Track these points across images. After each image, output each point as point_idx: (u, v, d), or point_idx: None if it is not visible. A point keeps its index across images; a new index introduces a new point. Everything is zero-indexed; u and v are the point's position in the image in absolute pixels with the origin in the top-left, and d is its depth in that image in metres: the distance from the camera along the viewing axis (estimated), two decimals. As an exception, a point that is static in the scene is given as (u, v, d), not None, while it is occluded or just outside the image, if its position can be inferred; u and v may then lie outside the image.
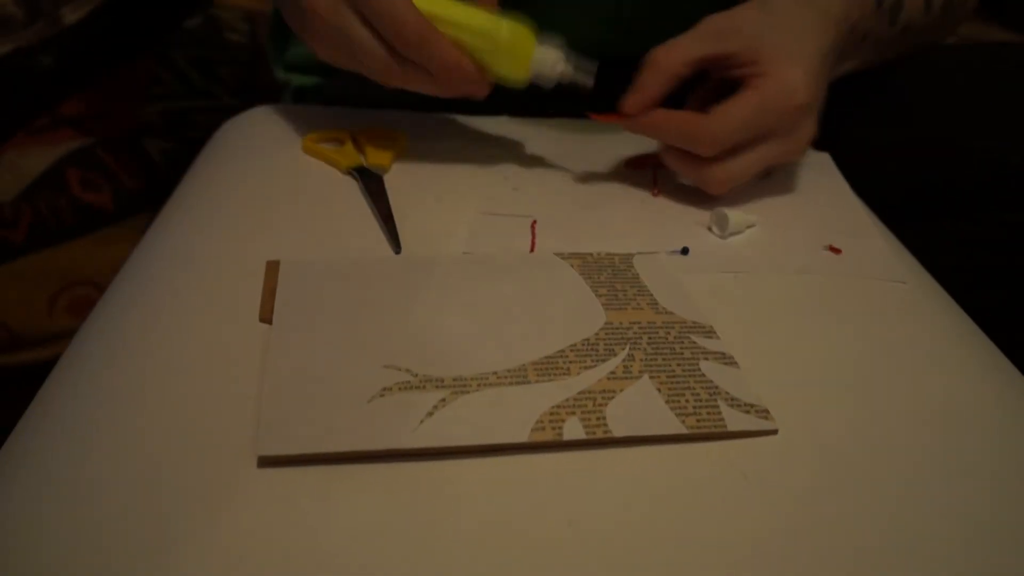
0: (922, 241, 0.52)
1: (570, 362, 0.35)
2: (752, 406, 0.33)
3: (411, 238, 0.44)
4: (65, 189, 0.83)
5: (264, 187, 0.49)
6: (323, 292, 0.38)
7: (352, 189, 0.49)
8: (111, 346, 0.36)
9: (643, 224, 0.47)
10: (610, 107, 0.49)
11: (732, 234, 0.46)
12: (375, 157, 0.51)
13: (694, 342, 0.37)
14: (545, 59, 0.46)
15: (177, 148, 0.90)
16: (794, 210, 0.50)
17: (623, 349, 0.36)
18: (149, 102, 0.92)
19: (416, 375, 0.33)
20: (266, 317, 0.37)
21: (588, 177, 0.52)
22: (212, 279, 0.40)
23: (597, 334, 0.37)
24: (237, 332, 0.36)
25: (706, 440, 0.32)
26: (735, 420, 0.33)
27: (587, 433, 0.31)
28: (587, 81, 0.47)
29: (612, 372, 0.34)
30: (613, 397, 0.33)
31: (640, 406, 0.33)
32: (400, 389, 0.33)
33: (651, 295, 0.40)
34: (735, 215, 0.46)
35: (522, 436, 0.31)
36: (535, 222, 0.46)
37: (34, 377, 0.36)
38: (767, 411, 0.33)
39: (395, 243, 0.43)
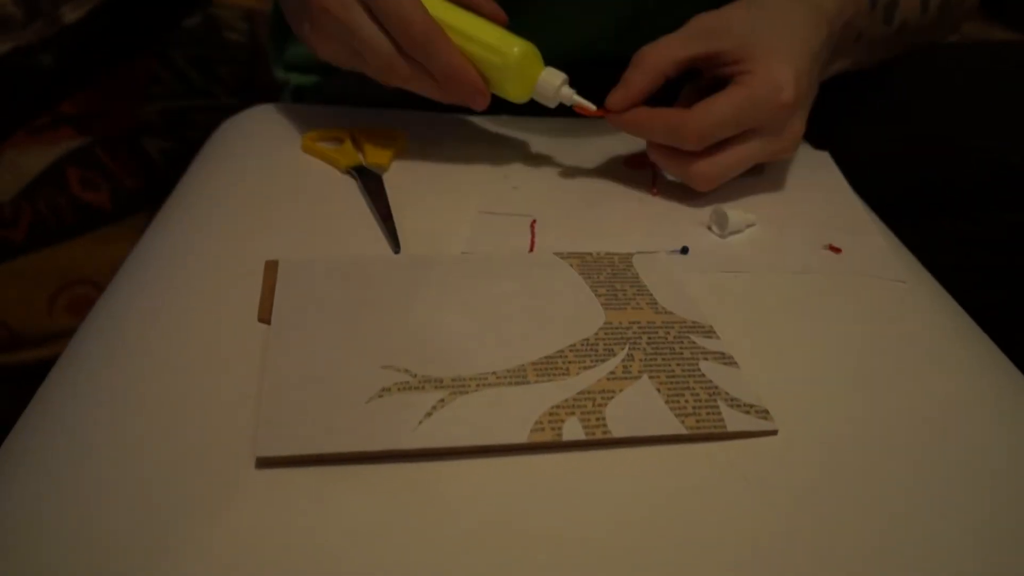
0: (921, 240, 0.52)
1: (569, 362, 0.35)
2: (752, 406, 0.33)
3: (410, 237, 0.44)
4: (65, 188, 0.83)
5: (263, 186, 0.49)
6: (322, 292, 0.38)
7: (351, 188, 0.49)
8: (110, 347, 0.36)
9: (642, 223, 0.47)
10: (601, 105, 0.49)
11: (732, 233, 0.46)
12: (374, 156, 0.51)
13: (694, 342, 0.37)
14: (551, 82, 0.47)
15: (176, 147, 0.90)
16: (794, 209, 0.50)
17: (622, 349, 0.36)
18: (148, 101, 0.92)
19: (415, 375, 0.33)
20: (265, 317, 0.37)
21: (587, 176, 0.52)
22: (211, 279, 0.40)
23: (596, 334, 0.37)
24: (236, 332, 0.36)
25: (706, 440, 0.32)
26: (735, 420, 0.33)
27: (586, 433, 0.31)
28: (590, 105, 0.48)
29: (611, 372, 0.34)
30: (612, 397, 0.33)
31: (639, 406, 0.33)
32: (399, 389, 0.33)
33: (651, 295, 0.40)
34: (735, 214, 0.46)
35: (521, 437, 0.31)
36: (534, 221, 0.46)
37: (34, 376, 0.36)
38: (767, 411, 0.33)
39: (394, 242, 0.43)
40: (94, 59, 0.85)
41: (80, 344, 0.37)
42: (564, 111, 0.49)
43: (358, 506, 0.28)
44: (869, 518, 0.30)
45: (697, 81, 0.51)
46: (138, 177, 0.88)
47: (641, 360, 0.35)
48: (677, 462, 0.31)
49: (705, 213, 0.48)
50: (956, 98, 0.62)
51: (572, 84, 0.48)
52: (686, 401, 0.33)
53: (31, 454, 0.31)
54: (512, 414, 0.32)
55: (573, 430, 0.31)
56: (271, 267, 0.40)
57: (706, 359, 0.36)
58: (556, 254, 0.43)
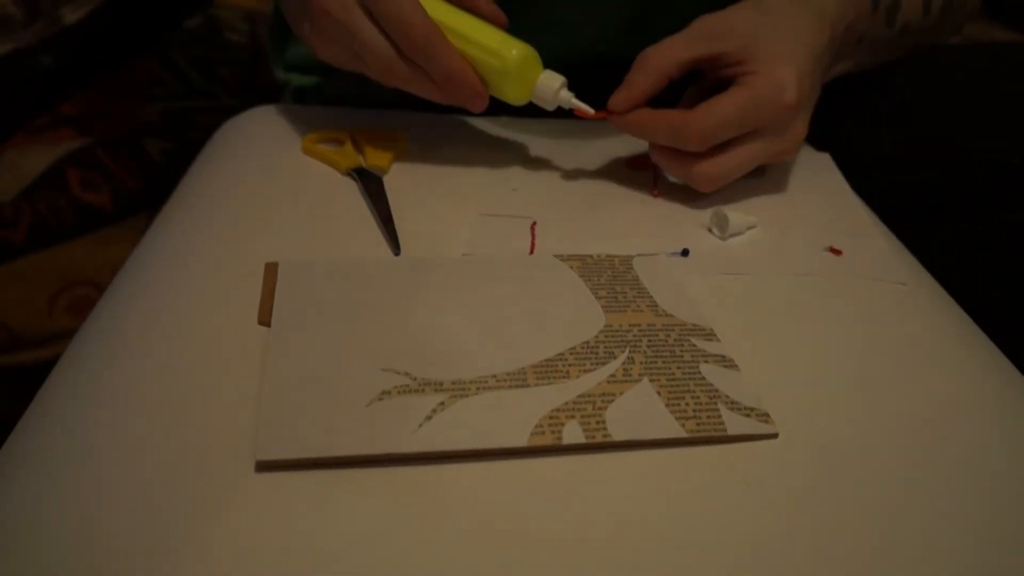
0: (922, 241, 0.52)
1: (569, 365, 0.35)
2: (752, 409, 0.33)
3: (410, 239, 0.44)
4: (65, 189, 0.83)
5: (263, 188, 0.49)
6: (322, 294, 0.38)
7: (351, 190, 0.49)
8: (110, 349, 0.36)
9: (643, 225, 0.47)
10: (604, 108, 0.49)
11: (732, 235, 0.46)
12: (374, 158, 0.51)
13: (694, 345, 0.37)
14: (549, 85, 0.47)
15: (177, 148, 0.90)
16: (794, 211, 0.50)
17: (623, 352, 0.36)
18: (149, 102, 0.91)
19: (415, 378, 0.33)
20: (265, 319, 0.37)
21: (588, 178, 0.52)
22: (211, 281, 0.40)
23: (597, 337, 0.37)
24: (236, 334, 0.36)
25: (706, 444, 0.32)
26: (735, 424, 0.33)
27: (586, 437, 0.31)
28: (588, 109, 0.48)
29: (612, 375, 0.34)
30: (612, 400, 0.33)
31: (640, 410, 0.33)
32: (399, 392, 0.32)
33: (651, 297, 0.40)
34: (735, 216, 0.46)
35: (521, 440, 0.31)
36: (535, 223, 0.46)
37: (34, 377, 0.36)
38: (767, 415, 0.33)
39: (394, 244, 0.43)
40: (94, 60, 0.85)
41: (80, 346, 0.37)
42: (565, 113, 0.49)
43: (358, 509, 0.28)
44: (870, 521, 0.29)
45: (700, 83, 0.51)
46: (139, 178, 0.87)
47: (641, 363, 0.35)
48: (677, 466, 0.31)
49: (706, 215, 0.48)
50: (957, 99, 0.62)
51: (573, 86, 0.48)
52: (686, 404, 0.33)
53: (31, 455, 0.31)
54: (512, 417, 0.32)
55: (573, 433, 0.31)
56: (271, 269, 0.40)
57: (707, 362, 0.36)
58: (556, 256, 0.43)
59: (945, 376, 0.37)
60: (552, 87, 0.47)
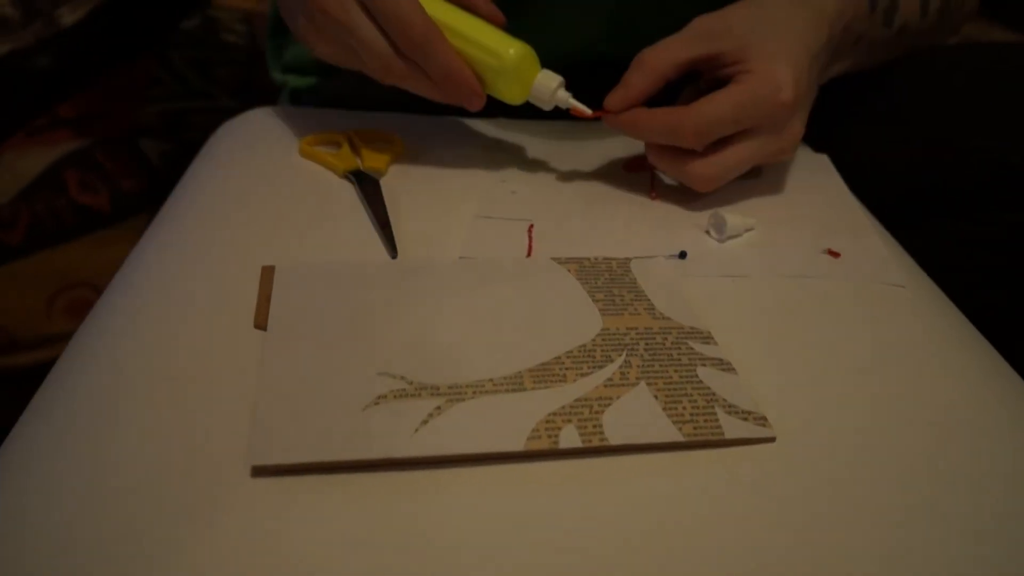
0: (921, 242, 0.52)
1: (566, 369, 0.35)
2: (750, 413, 0.33)
3: (407, 242, 0.44)
4: (63, 190, 0.83)
5: (260, 191, 0.49)
6: (318, 298, 0.38)
7: (348, 193, 0.49)
8: (106, 352, 0.36)
9: (641, 228, 0.47)
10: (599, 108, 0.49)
11: (730, 237, 0.46)
12: (371, 160, 0.51)
13: (692, 348, 0.37)
14: (547, 84, 0.47)
15: (175, 149, 0.90)
16: (792, 213, 0.49)
17: (620, 355, 0.36)
18: (147, 103, 0.91)
19: (411, 382, 0.33)
20: (261, 323, 0.37)
21: (586, 180, 0.52)
22: (207, 284, 0.40)
23: (594, 340, 0.37)
24: (232, 338, 0.36)
25: (703, 448, 0.32)
26: (733, 427, 0.32)
27: (583, 441, 0.31)
28: (585, 109, 0.47)
29: (609, 379, 0.34)
30: (609, 404, 0.33)
31: (637, 413, 0.33)
32: (395, 397, 0.32)
33: (648, 300, 0.40)
34: (733, 218, 0.46)
35: (518, 445, 0.31)
36: (532, 226, 0.46)
37: (32, 379, 0.36)
38: (765, 418, 0.33)
39: (391, 247, 0.43)
40: (92, 61, 0.85)
41: (76, 349, 0.37)
42: (563, 114, 0.49)
43: (354, 514, 0.28)
44: (868, 524, 0.29)
45: (697, 83, 0.51)
46: (137, 179, 0.87)
47: (639, 367, 0.35)
48: (674, 470, 0.31)
49: (703, 217, 0.48)
50: (955, 99, 0.62)
51: (572, 86, 0.48)
52: (684, 408, 0.33)
53: (27, 458, 0.31)
54: (509, 422, 0.32)
55: (570, 438, 0.31)
56: (267, 273, 0.40)
57: (704, 365, 0.36)
58: (553, 259, 0.43)
59: (943, 379, 0.37)
60: (549, 87, 0.47)
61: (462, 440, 0.31)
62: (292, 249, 0.43)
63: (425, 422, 0.31)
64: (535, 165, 0.54)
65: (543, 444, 0.31)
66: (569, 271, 0.42)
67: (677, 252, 0.44)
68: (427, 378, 0.33)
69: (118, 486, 0.29)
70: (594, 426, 0.32)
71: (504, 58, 0.45)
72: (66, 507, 0.28)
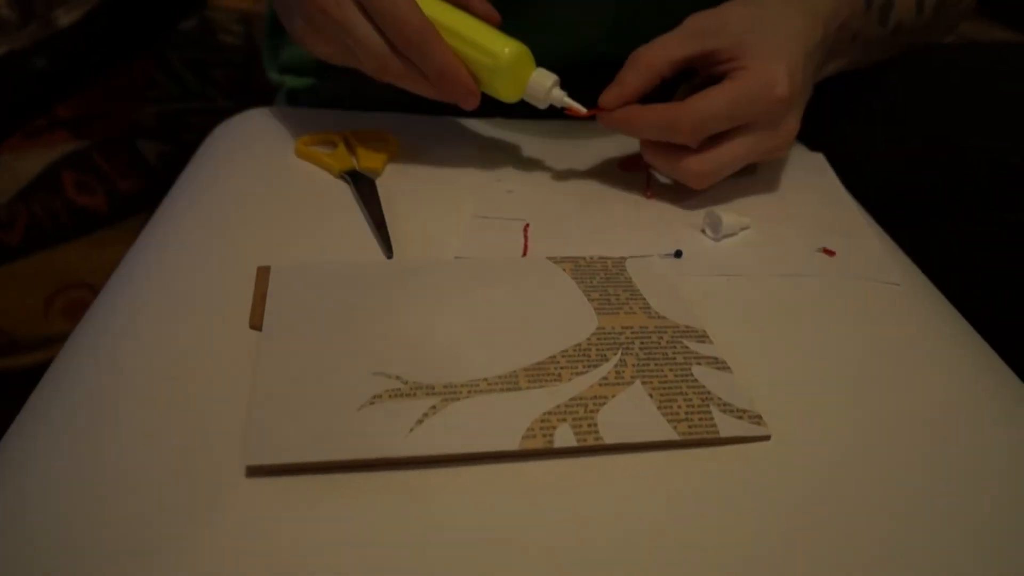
0: (918, 241, 0.52)
1: (561, 368, 0.35)
2: (745, 412, 0.33)
3: (403, 242, 0.44)
4: (60, 192, 0.83)
5: (256, 191, 0.49)
6: (314, 298, 0.38)
7: (344, 193, 0.49)
8: (102, 353, 0.36)
9: (636, 227, 0.47)
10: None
11: (725, 236, 0.46)
12: (367, 160, 0.51)
13: (687, 347, 0.37)
14: (542, 83, 0.47)
15: (172, 150, 0.90)
16: (788, 211, 0.50)
17: (615, 354, 0.36)
18: (144, 104, 0.91)
19: (407, 382, 0.33)
20: (256, 323, 0.37)
21: (581, 179, 0.52)
22: (203, 285, 0.40)
23: (589, 339, 0.37)
24: (227, 339, 0.36)
25: (698, 446, 0.32)
26: (727, 426, 0.33)
27: (578, 440, 0.31)
28: (580, 108, 0.47)
29: (604, 378, 0.34)
30: (604, 403, 0.33)
31: (632, 412, 0.33)
32: (390, 396, 0.32)
33: (644, 299, 0.40)
34: (728, 217, 0.46)
35: (513, 444, 0.31)
36: (527, 225, 0.46)
37: (30, 380, 0.36)
38: (760, 417, 0.33)
39: (387, 247, 0.43)
40: (89, 62, 0.85)
41: (73, 349, 0.37)
42: (559, 113, 0.49)
43: (349, 514, 0.28)
44: (863, 523, 0.29)
45: (692, 80, 0.51)
46: (134, 180, 0.87)
47: (634, 365, 0.35)
48: (669, 468, 0.31)
49: (699, 216, 0.48)
50: (952, 98, 0.62)
51: (571, 85, 0.48)
52: (679, 407, 0.33)
53: (24, 458, 0.31)
54: (504, 421, 0.32)
55: (565, 437, 0.31)
56: (263, 273, 0.40)
57: (699, 364, 0.36)
58: (549, 258, 0.43)
59: (938, 376, 0.37)
60: (544, 85, 0.47)
61: (457, 440, 0.31)
62: (288, 249, 0.43)
63: (420, 422, 0.31)
64: (531, 164, 0.54)
65: (538, 443, 0.31)
66: (564, 270, 0.42)
67: (672, 251, 0.44)
68: (422, 378, 0.33)
69: (114, 485, 0.29)
70: (589, 425, 0.32)
71: (499, 57, 0.45)
72: (63, 507, 0.28)
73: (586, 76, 0.49)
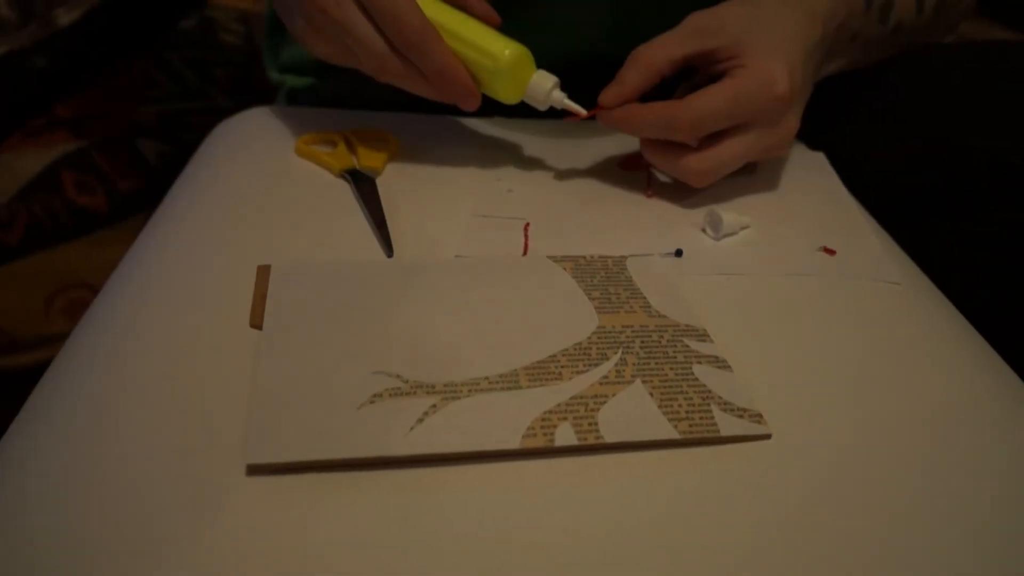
0: (918, 241, 0.52)
1: (562, 367, 0.35)
2: (745, 410, 0.33)
3: (403, 241, 0.44)
4: (60, 191, 0.83)
5: (256, 190, 0.49)
6: (314, 297, 0.38)
7: (344, 192, 0.49)
8: (102, 352, 0.36)
9: (636, 226, 0.47)
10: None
11: (726, 235, 0.46)
12: (368, 159, 0.51)
13: (687, 346, 0.37)
14: (542, 85, 0.47)
15: (172, 150, 0.90)
16: (788, 211, 0.49)
17: (616, 353, 0.36)
18: (144, 104, 0.91)
19: (407, 381, 0.33)
20: (256, 322, 0.37)
21: (582, 178, 0.52)
22: (202, 284, 0.40)
23: (589, 338, 0.37)
24: (227, 337, 0.36)
25: (699, 445, 0.32)
26: (728, 425, 0.33)
27: (579, 439, 0.31)
28: (580, 110, 0.47)
29: (604, 377, 0.34)
30: (605, 402, 0.33)
31: (632, 411, 0.33)
32: (391, 395, 0.32)
33: (644, 298, 0.40)
34: (729, 216, 0.46)
35: (513, 443, 0.31)
36: (528, 224, 0.46)
37: (31, 380, 0.36)
38: (760, 415, 0.33)
39: (387, 246, 0.43)
40: (89, 62, 0.85)
41: (73, 348, 0.37)
42: (559, 113, 0.49)
43: (350, 513, 0.28)
44: (864, 522, 0.29)
45: (692, 79, 0.51)
46: (134, 180, 0.87)
47: (634, 364, 0.35)
48: (670, 467, 0.31)
49: (699, 215, 0.48)
50: (953, 98, 0.62)
51: (571, 86, 0.48)
52: (679, 405, 0.33)
53: (23, 458, 0.31)
54: (504, 420, 0.32)
55: (565, 435, 0.31)
56: (263, 272, 0.40)
57: (700, 363, 0.36)
58: (549, 257, 0.43)
59: (938, 375, 0.37)
60: (545, 87, 0.47)
61: (457, 438, 0.31)
62: (288, 248, 0.43)
63: (420, 420, 0.31)
64: (531, 164, 0.54)
65: (539, 442, 0.31)
66: (565, 269, 0.42)
67: (673, 250, 0.44)
68: (422, 376, 0.33)
69: (114, 484, 0.29)
70: (590, 424, 0.32)
71: (499, 59, 0.45)
72: (62, 506, 0.28)
73: (586, 76, 0.49)
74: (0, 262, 0.80)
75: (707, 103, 0.45)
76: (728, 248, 0.45)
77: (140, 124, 0.90)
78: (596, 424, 0.32)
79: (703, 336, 0.37)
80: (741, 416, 0.33)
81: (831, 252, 0.45)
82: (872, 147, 0.62)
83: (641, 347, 0.36)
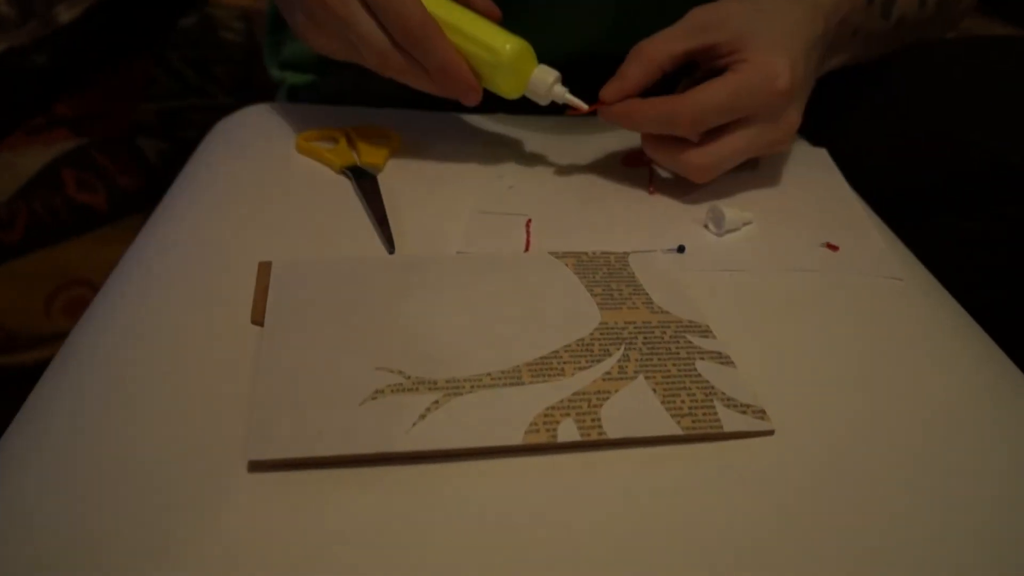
0: (920, 237, 0.52)
1: (564, 363, 0.35)
2: (748, 406, 0.33)
3: (405, 238, 0.44)
4: (60, 189, 0.83)
5: (257, 187, 0.49)
6: (315, 293, 0.38)
7: (346, 188, 0.49)
8: (103, 349, 0.36)
9: (639, 222, 0.47)
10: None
11: (728, 231, 0.46)
12: (369, 156, 0.51)
13: (690, 342, 0.37)
14: (543, 79, 0.47)
15: (173, 148, 0.90)
16: (791, 207, 0.49)
17: (618, 349, 0.36)
18: (144, 102, 0.91)
19: (409, 377, 0.33)
20: (258, 319, 0.37)
21: (584, 175, 0.52)
22: (204, 280, 0.40)
23: (592, 334, 0.37)
24: (229, 334, 0.36)
25: (702, 441, 0.32)
26: (731, 421, 0.32)
27: (581, 435, 0.31)
28: (581, 104, 0.47)
29: (607, 373, 0.34)
30: (608, 398, 0.33)
31: (635, 407, 0.33)
32: (393, 391, 0.32)
33: (647, 294, 0.40)
34: (731, 212, 0.46)
35: (516, 438, 0.31)
36: (530, 220, 0.46)
37: (31, 378, 0.36)
38: (763, 411, 0.33)
39: (388, 243, 0.43)
40: (89, 59, 0.85)
41: (73, 346, 0.37)
42: (560, 109, 0.49)
43: (352, 509, 0.28)
44: (867, 518, 0.29)
45: (693, 75, 0.51)
46: (134, 178, 0.87)
47: (637, 360, 0.35)
48: (673, 463, 0.31)
49: (702, 211, 0.47)
50: (955, 94, 0.62)
51: (572, 83, 0.48)
52: (682, 401, 0.33)
53: (24, 456, 0.31)
54: (507, 415, 0.32)
55: (568, 431, 0.31)
56: (264, 268, 0.40)
57: (702, 359, 0.36)
58: (551, 254, 0.43)
59: (942, 371, 0.37)
60: (546, 81, 0.47)
61: (460, 434, 0.31)
62: (289, 245, 0.43)
63: (423, 416, 0.31)
64: (533, 160, 0.53)
65: (541, 438, 0.31)
66: (567, 265, 0.42)
67: (675, 246, 0.44)
68: (424, 373, 0.33)
69: (115, 482, 0.29)
70: (592, 420, 0.32)
71: (500, 53, 0.45)
72: (63, 504, 0.28)
73: (587, 74, 0.49)
74: (0, 260, 0.80)
75: (708, 97, 0.45)
76: (730, 244, 0.45)
77: (140, 122, 0.90)
78: (599, 420, 0.32)
79: (706, 332, 0.37)
80: (744, 412, 0.33)
81: (834, 248, 0.45)
82: (874, 143, 0.62)
83: (644, 343, 0.36)
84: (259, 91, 0.87)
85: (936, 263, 0.48)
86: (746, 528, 0.29)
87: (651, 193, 0.50)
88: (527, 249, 0.44)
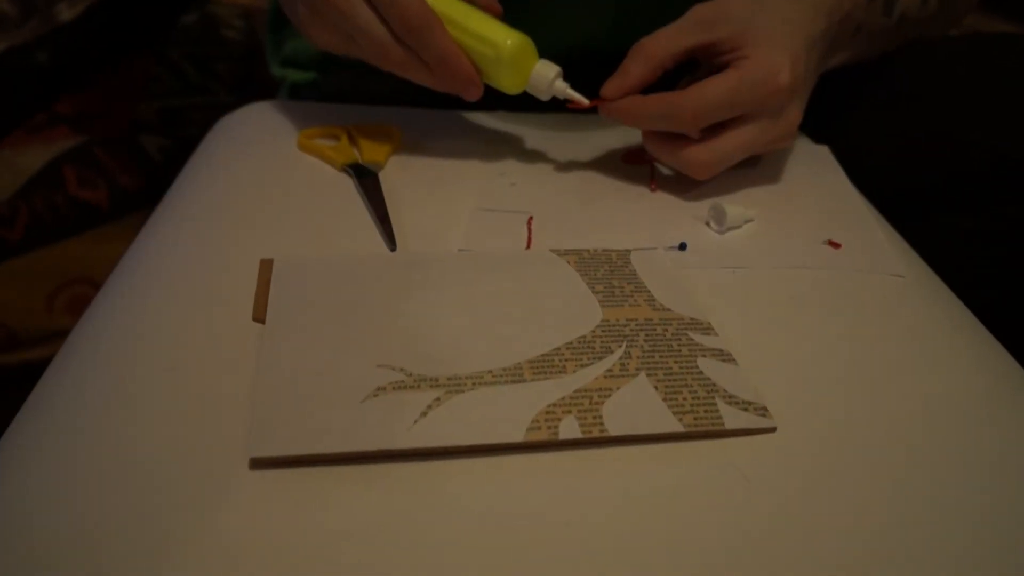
0: (922, 234, 0.51)
1: (566, 360, 0.35)
2: (750, 403, 0.33)
3: (406, 235, 0.44)
4: (62, 187, 0.83)
5: (258, 185, 0.49)
6: (317, 291, 0.38)
7: (347, 186, 0.48)
8: (104, 346, 0.36)
9: (640, 219, 0.47)
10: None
11: (730, 229, 0.46)
12: (370, 153, 0.51)
13: (692, 339, 0.37)
14: (545, 74, 0.47)
15: (174, 145, 0.90)
16: (793, 204, 0.49)
17: (620, 347, 0.36)
18: (146, 99, 0.91)
19: (410, 374, 0.33)
20: (259, 316, 0.37)
21: (585, 172, 0.52)
22: (205, 278, 0.40)
23: (593, 331, 0.36)
24: (230, 331, 0.36)
25: (704, 438, 0.32)
26: (733, 418, 0.32)
27: (583, 432, 0.31)
28: (582, 99, 0.47)
29: (609, 370, 0.34)
30: (609, 395, 0.33)
31: (637, 404, 0.32)
32: (394, 388, 0.32)
33: (648, 291, 0.40)
34: (733, 209, 0.46)
35: (517, 436, 0.31)
36: (531, 218, 0.46)
37: (33, 376, 0.36)
38: (765, 408, 0.33)
39: (390, 240, 0.43)
40: (90, 57, 0.85)
41: (75, 343, 0.37)
42: (562, 106, 0.49)
43: (353, 506, 0.28)
44: (869, 515, 0.29)
45: (695, 72, 0.51)
46: (136, 175, 0.87)
47: (638, 357, 0.35)
48: (675, 460, 0.31)
49: (703, 208, 0.47)
50: (957, 91, 0.62)
51: (573, 80, 0.48)
52: (684, 399, 0.33)
53: (26, 454, 0.31)
54: (508, 413, 0.31)
55: (570, 429, 0.31)
56: (266, 265, 0.40)
57: (704, 356, 0.36)
58: (553, 251, 0.43)
59: (944, 369, 0.37)
60: (547, 77, 0.47)
61: (461, 432, 0.31)
62: (291, 242, 0.43)
63: (424, 414, 0.31)
64: (534, 157, 0.53)
65: (543, 435, 0.31)
66: (569, 263, 0.42)
67: (677, 243, 0.44)
68: (426, 370, 0.33)
69: (117, 479, 0.29)
70: (594, 417, 0.32)
71: (501, 48, 0.45)
72: (65, 502, 0.28)
73: (587, 71, 0.49)
74: (2, 258, 0.80)
75: (709, 93, 0.45)
76: (732, 241, 0.45)
77: (142, 120, 0.90)
78: (600, 417, 0.32)
79: (707, 329, 0.37)
80: (746, 409, 0.33)
81: (836, 245, 0.45)
82: (876, 140, 0.62)
83: (645, 340, 0.36)
84: (260, 89, 0.87)
85: (937, 261, 0.48)
86: (747, 525, 0.29)
87: (652, 190, 0.50)
88: (528, 246, 0.44)
